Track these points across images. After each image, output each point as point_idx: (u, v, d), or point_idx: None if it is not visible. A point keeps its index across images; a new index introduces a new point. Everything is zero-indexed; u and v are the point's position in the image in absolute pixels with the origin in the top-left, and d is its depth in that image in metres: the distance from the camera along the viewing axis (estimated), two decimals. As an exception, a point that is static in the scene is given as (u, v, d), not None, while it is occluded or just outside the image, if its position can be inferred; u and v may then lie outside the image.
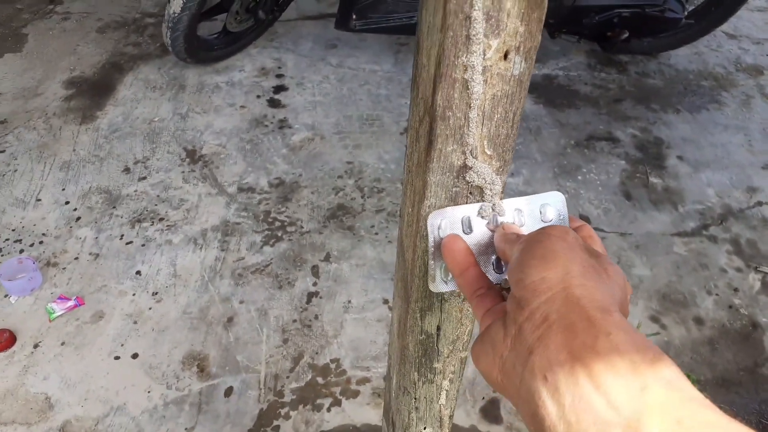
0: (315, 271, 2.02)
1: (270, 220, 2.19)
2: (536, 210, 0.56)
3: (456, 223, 0.54)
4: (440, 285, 0.57)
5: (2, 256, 2.01)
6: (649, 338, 1.38)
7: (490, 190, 0.58)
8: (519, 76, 0.51)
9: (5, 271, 1.90)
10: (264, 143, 2.50)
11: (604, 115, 2.77)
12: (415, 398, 0.89)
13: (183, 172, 2.35)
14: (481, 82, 0.49)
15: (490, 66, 0.48)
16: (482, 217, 0.55)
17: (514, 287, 0.43)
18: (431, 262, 0.56)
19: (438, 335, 0.76)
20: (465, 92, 0.50)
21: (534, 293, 0.41)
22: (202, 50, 2.77)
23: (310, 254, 2.08)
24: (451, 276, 0.56)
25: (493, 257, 0.55)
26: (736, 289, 2.05)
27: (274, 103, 2.72)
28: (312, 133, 2.57)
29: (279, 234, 2.14)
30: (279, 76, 2.88)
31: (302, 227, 2.17)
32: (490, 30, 0.46)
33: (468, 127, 0.52)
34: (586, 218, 2.27)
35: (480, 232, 0.54)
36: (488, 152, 0.54)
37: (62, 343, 1.79)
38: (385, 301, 1.94)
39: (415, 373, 0.84)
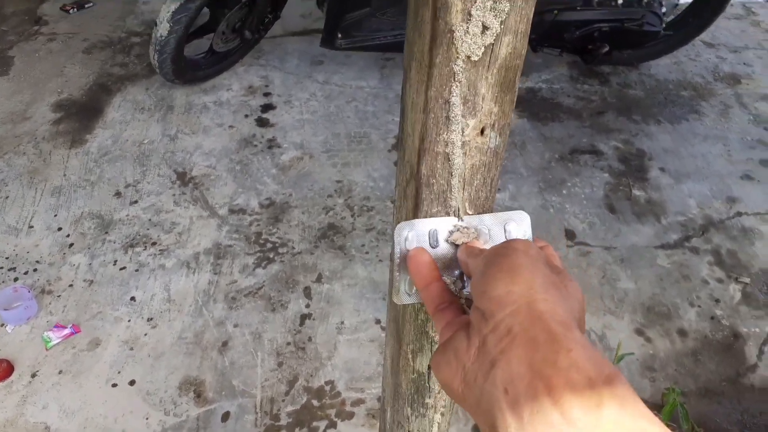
0: (307, 293, 2.06)
1: (261, 241, 2.22)
2: (501, 227, 0.58)
3: (423, 235, 0.56)
4: (404, 297, 0.58)
5: (-4, 285, 2.03)
6: (632, 356, 1.41)
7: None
8: (495, 148, 0.55)
9: (1, 300, 1.92)
10: (253, 163, 2.53)
11: (587, 128, 2.83)
12: (409, 431, 0.92)
13: (174, 194, 2.37)
14: (461, 155, 0.53)
15: (469, 141, 0.53)
16: (449, 231, 0.56)
17: (479, 299, 0.44)
18: (396, 274, 0.57)
19: (429, 374, 0.80)
20: (447, 163, 0.54)
21: (499, 306, 0.42)
22: (190, 70, 2.79)
23: (302, 275, 2.11)
24: (415, 289, 0.57)
25: (457, 272, 0.56)
26: (717, 300, 2.11)
27: (262, 122, 2.75)
28: (301, 152, 2.60)
29: (271, 255, 2.17)
30: (266, 94, 2.91)
31: (293, 248, 2.20)
32: (468, 111, 0.50)
33: (450, 192, 0.56)
34: (571, 233, 2.32)
35: (445, 246, 0.56)
36: (470, 212, 0.59)
37: (60, 372, 1.81)
38: (378, 321, 1.98)
39: (408, 409, 0.88)
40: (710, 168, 2.65)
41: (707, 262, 2.24)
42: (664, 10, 2.82)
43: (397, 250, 0.56)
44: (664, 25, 2.83)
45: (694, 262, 2.23)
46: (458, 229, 0.56)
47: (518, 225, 0.58)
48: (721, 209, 2.45)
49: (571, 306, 0.43)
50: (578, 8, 2.69)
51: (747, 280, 2.17)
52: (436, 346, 0.75)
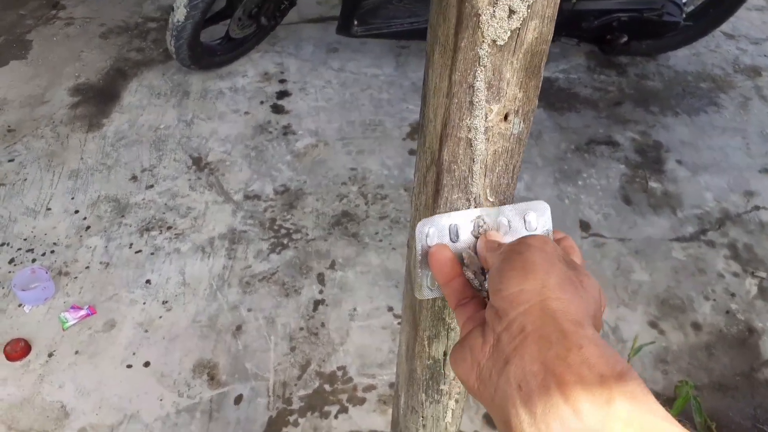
0: (321, 279, 2.07)
1: (276, 227, 2.23)
2: (520, 218, 0.58)
3: (444, 231, 0.56)
4: (426, 292, 0.59)
5: (15, 265, 2.05)
6: (645, 348, 1.41)
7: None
8: (518, 135, 0.55)
9: (19, 281, 1.95)
10: (269, 150, 2.54)
11: (603, 119, 2.81)
12: (423, 416, 0.93)
13: (189, 179, 2.39)
14: (484, 141, 0.53)
15: (492, 127, 0.53)
16: (469, 224, 0.57)
17: (493, 297, 0.45)
18: (418, 270, 0.57)
19: (444, 360, 0.80)
20: (469, 149, 0.54)
21: (512, 304, 0.43)
22: (206, 56, 2.79)
23: (315, 262, 2.12)
24: (437, 284, 0.57)
25: (477, 266, 0.56)
26: (733, 294, 2.10)
27: (277, 109, 2.75)
28: (316, 140, 2.61)
29: (285, 241, 2.18)
30: (282, 81, 2.91)
31: (307, 234, 2.21)
32: (492, 96, 0.50)
33: (472, 178, 0.56)
34: (586, 224, 2.31)
35: (466, 239, 0.56)
36: (491, 199, 0.59)
37: (76, 352, 1.84)
38: (390, 309, 1.99)
39: (423, 394, 0.88)
40: (728, 161, 2.62)
41: (723, 256, 2.22)
42: (684, 0, 2.78)
43: (418, 246, 0.56)
44: (684, 16, 2.79)
45: (710, 256, 2.22)
46: (478, 223, 0.57)
47: (538, 216, 0.58)
48: (739, 203, 2.43)
49: (586, 303, 0.44)
50: (597, -3, 2.66)
51: (764, 274, 2.15)
52: (453, 332, 0.76)
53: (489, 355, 0.43)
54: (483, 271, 0.55)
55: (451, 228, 0.56)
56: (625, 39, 2.80)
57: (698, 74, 3.13)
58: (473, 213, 0.57)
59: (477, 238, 0.56)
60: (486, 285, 0.54)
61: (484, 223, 0.57)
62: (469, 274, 0.55)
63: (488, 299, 0.53)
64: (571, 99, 2.92)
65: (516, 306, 0.42)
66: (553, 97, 2.91)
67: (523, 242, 0.47)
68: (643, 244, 2.24)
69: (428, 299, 0.69)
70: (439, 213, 0.58)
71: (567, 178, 2.49)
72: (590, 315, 0.43)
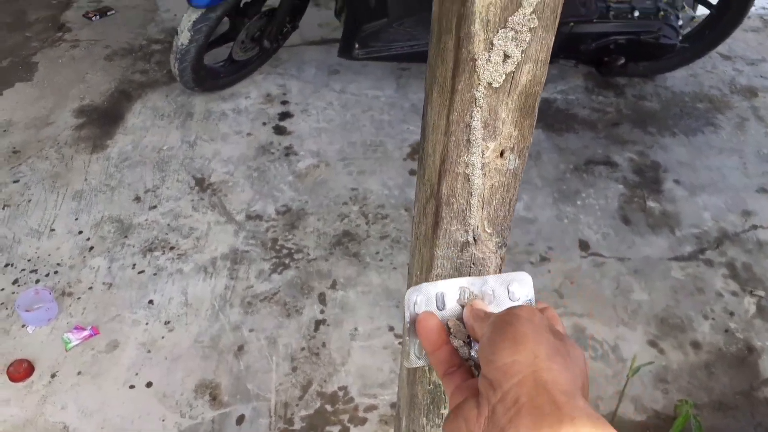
0: (322, 299, 2.09)
1: (278, 247, 2.25)
2: (504, 288, 0.60)
3: (431, 299, 0.58)
4: (413, 361, 0.60)
5: (19, 286, 2.07)
6: (645, 367, 1.41)
7: (491, 261, 0.65)
8: (514, 170, 0.58)
9: (23, 302, 1.97)
10: (270, 171, 2.57)
11: (602, 139, 2.84)
12: (424, 440, 0.94)
13: (192, 200, 2.41)
14: (481, 176, 0.56)
15: (488, 163, 0.55)
16: (455, 292, 0.59)
17: (486, 367, 0.46)
18: (406, 338, 0.59)
19: (445, 385, 0.82)
20: (467, 184, 0.56)
21: (505, 375, 0.44)
22: (209, 78, 2.84)
23: (317, 281, 2.14)
24: (424, 352, 0.59)
25: (464, 334, 0.58)
26: (731, 313, 2.11)
27: (279, 130, 2.79)
28: (317, 160, 2.64)
29: (286, 261, 2.20)
30: (284, 102, 2.95)
31: (309, 254, 2.23)
32: (488, 135, 0.52)
33: (470, 211, 0.59)
34: (585, 243, 2.33)
35: (452, 307, 0.58)
36: (488, 231, 0.61)
37: (79, 373, 1.85)
38: (391, 329, 2.00)
39: (424, 419, 0.89)
40: (725, 181, 2.65)
41: (722, 275, 2.24)
42: (680, 23, 2.83)
43: (407, 314, 0.57)
44: (680, 38, 2.83)
45: (709, 275, 2.23)
46: (463, 291, 0.58)
47: (521, 286, 0.60)
48: (736, 222, 2.45)
49: (574, 373, 0.45)
50: (595, 20, 2.70)
51: (762, 293, 2.17)
52: None
53: (484, 427, 0.45)
54: (470, 340, 0.56)
55: (437, 296, 0.58)
56: (622, 61, 2.84)
57: (695, 95, 3.17)
58: (459, 282, 0.59)
59: (463, 306, 0.58)
60: (473, 354, 0.56)
61: (470, 292, 0.59)
62: (456, 343, 0.56)
63: (476, 369, 0.56)
64: (569, 120, 2.95)
65: (509, 378, 0.43)
66: (551, 118, 2.95)
67: (511, 313, 0.49)
68: (642, 264, 2.26)
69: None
70: (439, 245, 0.60)
71: (566, 198, 2.52)
72: (578, 386, 0.45)
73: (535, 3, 0.42)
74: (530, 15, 0.43)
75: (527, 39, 0.44)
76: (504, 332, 0.47)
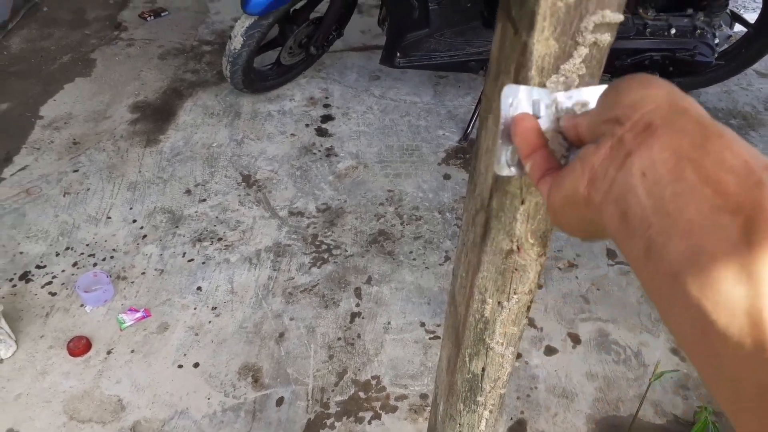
0: (358, 293, 2.21)
1: (317, 243, 2.38)
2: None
3: (528, 103, 0.52)
4: (504, 169, 0.54)
5: (78, 269, 2.24)
6: (667, 375, 1.50)
7: (532, 268, 0.75)
8: None
9: (82, 283, 2.13)
10: (312, 170, 2.70)
11: (633, 152, 2.90)
12: (459, 424, 1.04)
13: (239, 195, 2.56)
14: (527, 194, 0.66)
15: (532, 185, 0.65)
16: (550, 101, 0.53)
17: (610, 110, 0.40)
18: (499, 141, 0.53)
19: (482, 375, 0.91)
20: (515, 200, 0.66)
21: (634, 108, 0.38)
22: (258, 81, 2.99)
23: (353, 276, 2.26)
24: (516, 160, 0.53)
25: (562, 144, 0.52)
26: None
27: (321, 132, 2.92)
28: (356, 162, 2.76)
29: (325, 256, 2.33)
30: (326, 105, 3.08)
31: (346, 251, 2.36)
32: None
33: (516, 224, 0.68)
34: (613, 252, 2.41)
35: (547, 115, 0.52)
36: (531, 241, 0.70)
37: (132, 351, 2.00)
38: (422, 324, 2.11)
39: (461, 404, 0.99)
40: (755, 197, 2.69)
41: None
42: (717, 41, 2.88)
43: (501, 116, 0.52)
44: (716, 56, 2.88)
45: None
46: (558, 104, 0.52)
47: None
48: (763, 239, 2.50)
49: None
50: (631, 37, 2.77)
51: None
52: (491, 351, 0.87)
53: (606, 155, 0.39)
54: (568, 145, 0.51)
55: (534, 103, 0.52)
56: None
57: (729, 111, 3.21)
58: (553, 93, 0.52)
59: (558, 119, 0.52)
60: (572, 158, 0.50)
61: (564, 105, 0.52)
62: (555, 146, 0.51)
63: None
64: (602, 132, 3.02)
65: (641, 108, 0.37)
66: (584, 129, 3.02)
67: (624, 78, 0.42)
68: (667, 275, 2.32)
69: (471, 322, 0.80)
70: (486, 252, 0.69)
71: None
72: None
73: (584, 55, 0.51)
74: (579, 64, 0.51)
75: (575, 83, 0.53)
76: (627, 80, 0.41)
